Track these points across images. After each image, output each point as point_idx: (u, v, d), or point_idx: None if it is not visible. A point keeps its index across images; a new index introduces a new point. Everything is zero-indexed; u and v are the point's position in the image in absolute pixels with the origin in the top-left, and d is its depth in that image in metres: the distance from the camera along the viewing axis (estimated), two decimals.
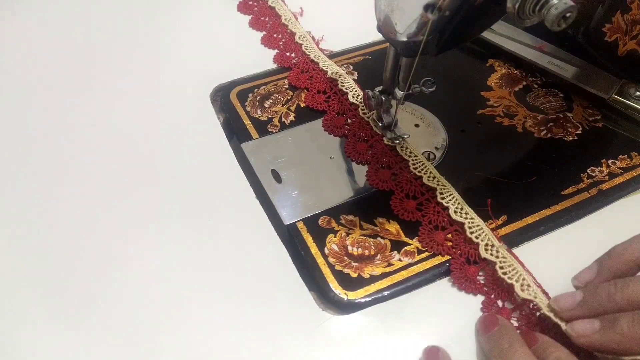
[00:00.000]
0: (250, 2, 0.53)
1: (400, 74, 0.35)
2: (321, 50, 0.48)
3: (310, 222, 0.36)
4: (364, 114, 0.42)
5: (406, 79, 0.35)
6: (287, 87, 0.45)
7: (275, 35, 0.50)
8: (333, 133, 0.42)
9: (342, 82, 0.44)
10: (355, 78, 0.46)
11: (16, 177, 0.39)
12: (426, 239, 0.35)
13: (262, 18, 0.52)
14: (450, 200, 0.36)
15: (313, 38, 0.49)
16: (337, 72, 0.45)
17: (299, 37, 0.49)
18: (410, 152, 0.39)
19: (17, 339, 0.31)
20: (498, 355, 0.28)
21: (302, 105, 0.44)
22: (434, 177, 0.37)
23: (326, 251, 0.35)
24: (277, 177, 0.39)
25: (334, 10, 0.53)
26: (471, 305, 0.33)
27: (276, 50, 0.49)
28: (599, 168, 0.40)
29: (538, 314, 0.31)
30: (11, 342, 0.31)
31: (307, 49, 0.48)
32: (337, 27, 0.50)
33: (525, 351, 0.28)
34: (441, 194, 0.36)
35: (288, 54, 0.48)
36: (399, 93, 0.36)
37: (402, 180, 0.38)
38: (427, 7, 0.28)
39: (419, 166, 0.38)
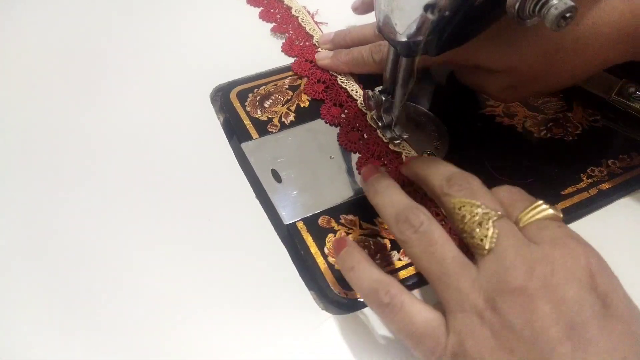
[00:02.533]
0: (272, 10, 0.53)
1: (400, 74, 0.35)
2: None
3: (310, 222, 0.36)
4: (363, 106, 0.42)
5: (406, 79, 0.35)
6: (287, 87, 0.45)
7: (284, 26, 0.51)
8: (329, 122, 0.42)
9: (341, 78, 0.45)
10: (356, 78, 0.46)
11: (16, 177, 0.39)
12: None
13: (272, 10, 0.52)
14: None
15: (314, 19, 0.51)
16: (347, 80, 0.45)
17: (309, 29, 0.50)
18: (409, 152, 0.39)
19: (17, 339, 0.31)
20: (345, 272, 0.30)
21: (302, 105, 0.44)
22: None
23: (326, 251, 0.35)
24: (276, 177, 0.39)
25: (334, 10, 0.53)
26: None
27: (283, 41, 0.50)
28: (599, 168, 0.40)
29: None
30: (11, 342, 0.31)
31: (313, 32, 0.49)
32: (337, 26, 0.50)
33: (365, 267, 0.29)
34: None
35: (297, 42, 0.49)
36: (400, 91, 0.36)
37: (390, 171, 0.38)
38: (427, 7, 0.28)
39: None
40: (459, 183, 0.29)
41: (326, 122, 0.42)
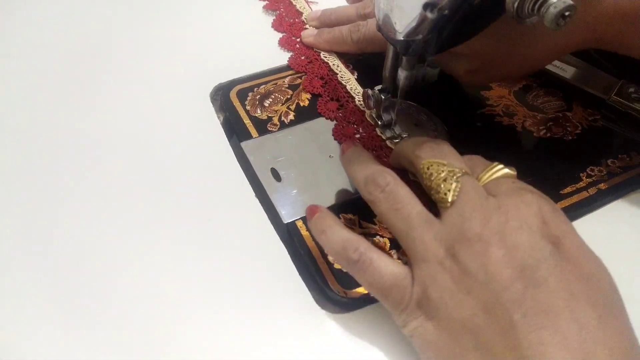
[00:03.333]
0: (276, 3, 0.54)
1: (403, 63, 0.35)
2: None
3: None
4: (369, 114, 0.42)
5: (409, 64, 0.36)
6: (287, 86, 0.45)
7: (276, 4, 0.53)
8: (325, 116, 0.42)
9: (342, 76, 0.45)
10: (356, 77, 0.46)
11: (16, 176, 0.39)
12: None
13: (287, 19, 0.52)
14: None
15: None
16: (348, 78, 0.45)
17: (299, 7, 0.52)
18: None
19: (17, 339, 0.31)
20: (317, 235, 0.32)
21: (302, 104, 0.44)
22: None
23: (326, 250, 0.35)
24: (276, 176, 0.39)
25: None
26: None
27: (284, 33, 0.50)
28: (599, 167, 0.40)
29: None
30: (11, 342, 0.31)
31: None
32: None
33: (336, 230, 0.31)
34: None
35: (287, 19, 0.51)
36: (403, 72, 0.36)
37: (384, 163, 0.38)
38: (427, 6, 0.28)
39: None
40: (430, 146, 0.31)
41: (322, 115, 0.43)
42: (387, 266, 0.28)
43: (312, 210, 0.32)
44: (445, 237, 0.27)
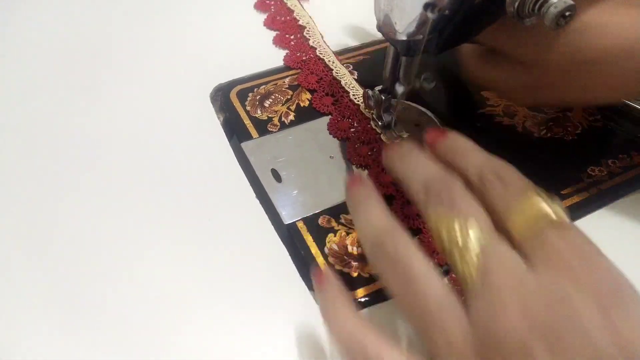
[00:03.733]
0: (268, 1, 0.54)
1: (401, 73, 0.35)
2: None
3: (310, 222, 0.36)
4: (368, 111, 0.42)
5: (407, 76, 0.35)
6: (287, 86, 0.45)
7: (278, 18, 0.52)
8: (337, 136, 0.41)
9: (346, 82, 0.45)
10: (356, 77, 0.46)
11: (16, 176, 0.39)
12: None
13: (279, 17, 0.52)
14: None
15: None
16: (343, 73, 0.45)
17: (290, 5, 0.52)
18: None
19: (17, 339, 0.31)
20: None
21: (302, 104, 0.44)
22: None
23: (326, 251, 0.35)
24: (276, 177, 0.39)
25: (334, 9, 0.53)
26: None
27: (277, 32, 0.50)
28: (599, 167, 0.40)
29: None
30: (11, 342, 0.31)
31: (314, 43, 0.49)
32: (337, 26, 0.51)
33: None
34: None
35: (279, 18, 0.51)
36: (400, 89, 0.36)
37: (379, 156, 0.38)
38: (427, 6, 0.28)
39: None
40: (438, 191, 0.24)
41: (319, 111, 0.43)
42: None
43: (320, 279, 0.26)
44: (473, 336, 0.20)
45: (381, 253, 0.24)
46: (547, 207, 0.23)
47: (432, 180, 0.25)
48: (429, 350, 0.22)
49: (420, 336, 0.23)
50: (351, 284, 0.33)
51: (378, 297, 0.33)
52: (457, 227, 0.22)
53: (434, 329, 0.21)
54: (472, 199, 0.24)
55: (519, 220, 0.22)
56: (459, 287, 0.23)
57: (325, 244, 0.35)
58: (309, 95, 0.44)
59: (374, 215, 0.26)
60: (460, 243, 0.22)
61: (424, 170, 0.26)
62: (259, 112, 0.43)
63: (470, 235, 0.22)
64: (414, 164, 0.27)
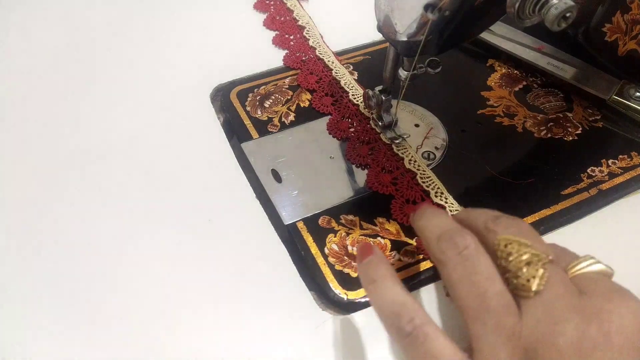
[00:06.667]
0: (267, 1, 0.54)
1: (400, 74, 0.35)
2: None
3: (310, 222, 0.36)
4: (368, 112, 0.42)
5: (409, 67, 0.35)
6: (287, 87, 0.45)
7: (277, 17, 0.52)
8: (337, 136, 0.41)
9: (346, 82, 0.45)
10: (356, 78, 0.46)
11: (16, 176, 0.39)
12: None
13: (278, 17, 0.52)
14: (447, 201, 0.36)
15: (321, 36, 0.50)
16: (343, 74, 0.45)
17: (290, 5, 0.52)
18: (410, 155, 0.39)
19: (17, 339, 0.31)
20: (365, 284, 0.27)
21: (302, 105, 0.44)
22: (428, 177, 0.38)
23: (326, 251, 0.35)
24: (277, 177, 0.39)
25: (334, 9, 0.53)
26: None
27: (276, 32, 0.51)
28: (599, 168, 0.40)
29: None
30: (12, 342, 0.31)
31: (313, 43, 0.49)
32: (337, 26, 0.50)
33: (389, 284, 0.26)
34: (436, 195, 0.37)
35: (278, 17, 0.51)
36: (404, 73, 0.36)
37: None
38: (427, 7, 0.28)
39: (415, 167, 0.38)
40: (507, 222, 0.26)
41: (319, 111, 0.43)
42: (445, 348, 0.23)
43: (365, 250, 0.28)
44: (526, 334, 0.23)
45: (449, 244, 0.26)
46: (600, 262, 0.26)
47: (502, 215, 0.27)
48: (473, 338, 0.24)
49: (469, 326, 0.24)
50: (351, 284, 0.33)
51: None
52: (524, 248, 0.24)
53: (486, 317, 0.23)
54: (537, 234, 0.26)
55: (576, 267, 0.26)
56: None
57: (325, 244, 0.35)
58: (309, 96, 0.44)
59: (443, 219, 0.28)
60: (526, 259, 0.24)
61: (492, 212, 0.28)
62: (259, 112, 0.43)
63: (535, 254, 0.24)
64: (476, 211, 0.29)
